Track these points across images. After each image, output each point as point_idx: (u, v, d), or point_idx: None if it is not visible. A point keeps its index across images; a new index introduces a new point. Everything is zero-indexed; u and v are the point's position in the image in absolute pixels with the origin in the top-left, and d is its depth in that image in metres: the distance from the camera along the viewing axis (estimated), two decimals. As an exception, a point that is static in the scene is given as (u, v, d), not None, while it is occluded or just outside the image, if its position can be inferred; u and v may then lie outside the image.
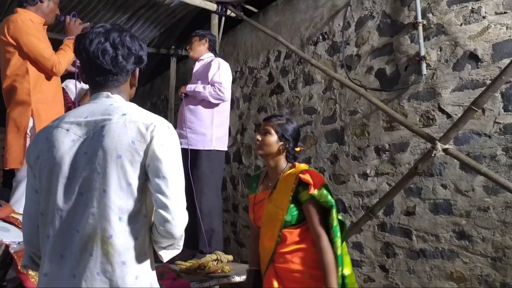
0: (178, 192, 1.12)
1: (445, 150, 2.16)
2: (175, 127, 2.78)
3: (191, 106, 3.01)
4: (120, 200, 1.08)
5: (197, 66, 3.18)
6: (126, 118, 1.12)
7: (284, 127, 1.87)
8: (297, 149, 1.90)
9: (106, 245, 1.06)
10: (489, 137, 2.27)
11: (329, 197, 1.71)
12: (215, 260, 2.49)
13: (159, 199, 1.09)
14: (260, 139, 1.88)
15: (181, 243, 1.22)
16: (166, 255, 1.21)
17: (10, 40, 2.26)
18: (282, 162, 1.88)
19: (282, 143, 1.85)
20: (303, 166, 1.86)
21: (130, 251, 1.10)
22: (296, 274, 1.71)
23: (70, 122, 1.16)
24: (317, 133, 3.33)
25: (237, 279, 2.39)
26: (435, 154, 2.17)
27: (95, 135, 1.11)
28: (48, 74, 2.36)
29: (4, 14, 3.70)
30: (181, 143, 2.63)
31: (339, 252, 1.67)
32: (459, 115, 2.26)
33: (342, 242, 1.72)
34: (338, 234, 1.69)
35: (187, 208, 1.17)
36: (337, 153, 3.14)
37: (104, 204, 1.07)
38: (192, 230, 2.72)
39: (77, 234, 1.08)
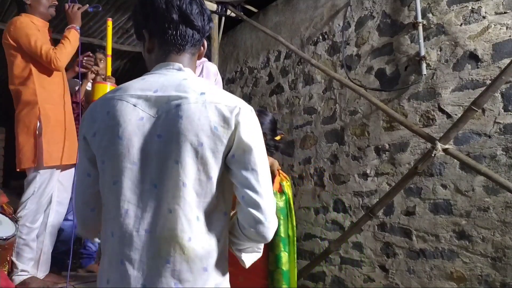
0: (269, 188, 0.94)
1: (445, 150, 2.17)
2: None
3: None
4: (198, 196, 0.91)
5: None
6: (205, 99, 0.92)
7: None
8: (277, 138, 1.82)
9: (186, 249, 0.89)
10: (489, 137, 2.27)
11: (281, 206, 1.64)
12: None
13: (249, 196, 0.91)
14: None
15: (262, 246, 1.07)
16: (247, 259, 1.05)
17: (12, 42, 2.26)
18: None
19: None
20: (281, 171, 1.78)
21: (211, 255, 0.93)
22: (231, 277, 1.67)
23: (137, 96, 0.95)
24: (317, 133, 3.33)
25: (237, 279, 2.39)
26: (435, 154, 2.17)
27: (170, 115, 0.91)
28: (52, 73, 2.35)
29: (4, 14, 3.69)
30: None
31: (285, 267, 1.61)
32: (459, 115, 2.26)
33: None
34: (286, 249, 1.63)
35: None
36: (337, 153, 3.14)
37: (184, 201, 0.89)
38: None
39: (148, 235, 0.90)
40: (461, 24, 2.44)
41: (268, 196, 0.93)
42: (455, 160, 2.31)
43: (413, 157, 2.61)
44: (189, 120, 0.90)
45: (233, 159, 0.93)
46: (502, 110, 2.24)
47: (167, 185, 0.90)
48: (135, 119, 0.93)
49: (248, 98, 4.22)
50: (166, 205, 0.89)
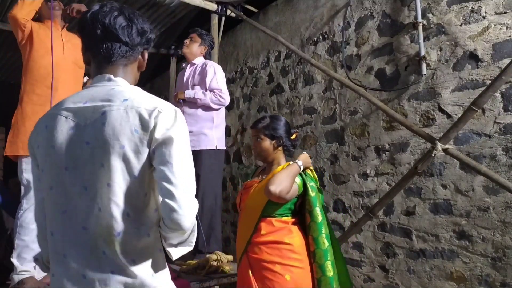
0: (184, 178, 1.01)
1: (445, 150, 2.16)
2: None
3: (189, 111, 3.03)
4: (126, 195, 1.00)
5: (188, 71, 3.19)
6: (127, 104, 1.02)
7: (271, 126, 1.94)
8: (293, 137, 1.98)
9: (114, 243, 0.99)
10: (489, 137, 2.27)
11: (313, 196, 1.82)
12: (215, 260, 2.49)
13: (164, 187, 0.99)
14: (255, 147, 1.97)
15: (193, 238, 1.11)
16: (176, 252, 1.10)
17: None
18: (281, 158, 1.96)
19: (275, 141, 1.93)
20: None
21: (142, 248, 1.02)
22: (267, 264, 1.73)
23: (69, 109, 1.07)
24: (317, 133, 3.33)
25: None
26: (435, 154, 2.17)
27: (96, 123, 1.02)
28: (38, 65, 2.37)
29: (4, 14, 3.69)
30: None
31: (324, 247, 1.76)
32: (459, 115, 2.26)
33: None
34: (324, 230, 1.79)
35: None
36: (337, 153, 3.14)
37: (109, 199, 0.99)
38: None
39: (84, 231, 1.00)
40: (461, 24, 2.44)
41: (183, 186, 0.99)
42: (455, 160, 2.31)
43: (413, 157, 2.61)
44: (111, 126, 1.00)
45: (154, 155, 1.01)
46: (502, 110, 2.24)
47: (95, 187, 1.00)
48: (66, 129, 1.05)
49: (248, 98, 4.22)
50: (96, 205, 1.00)
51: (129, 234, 1.00)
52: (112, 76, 1.09)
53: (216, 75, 3.01)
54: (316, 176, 1.97)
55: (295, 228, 1.82)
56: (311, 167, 1.95)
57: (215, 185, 3.02)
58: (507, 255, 2.15)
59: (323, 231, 1.77)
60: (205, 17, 4.10)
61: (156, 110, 1.02)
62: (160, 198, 1.02)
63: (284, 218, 1.81)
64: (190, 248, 1.13)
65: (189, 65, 3.21)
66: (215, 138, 3.01)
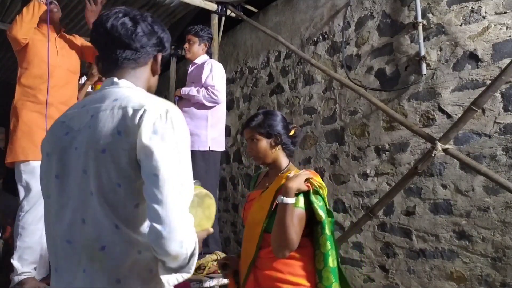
0: (174, 194, 0.84)
1: (445, 150, 2.16)
2: None
3: (185, 108, 3.00)
4: (112, 204, 0.88)
5: (191, 68, 3.18)
6: (115, 104, 0.91)
7: (266, 123, 1.68)
8: (291, 133, 1.72)
9: (98, 258, 0.87)
10: (489, 137, 2.27)
11: (320, 205, 1.53)
12: (215, 260, 2.49)
13: (150, 207, 0.84)
14: (250, 150, 1.71)
15: (193, 263, 0.93)
16: (169, 280, 0.97)
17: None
18: (282, 159, 1.70)
19: (272, 139, 1.67)
20: (311, 172, 1.63)
21: (130, 266, 0.88)
22: (276, 283, 1.51)
23: (68, 113, 1.02)
24: (317, 133, 3.33)
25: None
26: (435, 154, 2.17)
27: (85, 127, 0.94)
28: (32, 71, 2.37)
29: (4, 14, 3.70)
30: None
31: (333, 265, 1.51)
32: (459, 115, 2.26)
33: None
34: (334, 247, 1.52)
35: None
36: (337, 153, 3.14)
37: (93, 209, 0.88)
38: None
39: (69, 245, 0.91)
40: (461, 24, 2.44)
41: (172, 204, 0.83)
42: (455, 160, 2.31)
43: (413, 157, 2.61)
44: (95, 129, 0.90)
45: (140, 165, 0.87)
46: (502, 110, 2.24)
47: (80, 196, 0.91)
48: (62, 135, 0.98)
49: (248, 98, 4.22)
50: (79, 216, 0.90)
51: (116, 249, 0.87)
52: (115, 79, 1.01)
53: (212, 72, 2.97)
54: (325, 191, 1.65)
55: (304, 242, 1.54)
56: (321, 183, 1.64)
57: (210, 188, 2.99)
58: (507, 255, 2.15)
59: (329, 263, 1.52)
60: (205, 17, 4.10)
61: (143, 109, 0.88)
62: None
63: None
64: (188, 276, 1.00)
65: (191, 65, 3.20)
66: (209, 139, 2.94)
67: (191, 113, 2.98)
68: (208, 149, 2.94)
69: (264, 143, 1.67)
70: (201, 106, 2.98)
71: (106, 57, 1.04)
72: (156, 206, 0.83)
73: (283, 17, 3.79)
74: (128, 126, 0.87)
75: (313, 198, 1.52)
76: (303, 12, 3.58)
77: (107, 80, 1.02)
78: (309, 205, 1.52)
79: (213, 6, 3.83)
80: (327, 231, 1.52)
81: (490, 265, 2.21)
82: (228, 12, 3.92)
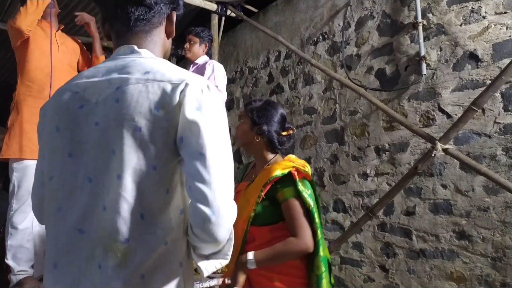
0: (222, 176, 0.78)
1: (445, 150, 2.16)
2: None
3: None
4: (141, 191, 0.78)
5: (192, 68, 3.17)
6: (148, 77, 0.82)
7: (260, 111, 1.61)
8: (284, 133, 1.63)
9: (121, 252, 0.77)
10: (489, 137, 2.27)
11: (309, 193, 1.51)
12: (215, 260, 2.48)
13: (194, 186, 0.76)
14: (236, 128, 1.66)
15: (230, 249, 0.87)
16: (208, 267, 0.85)
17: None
18: (266, 151, 1.63)
19: (256, 128, 1.59)
20: (294, 158, 1.61)
21: (155, 261, 0.79)
22: (263, 278, 1.51)
23: (80, 83, 0.88)
24: (317, 133, 3.33)
25: (237, 279, 2.39)
26: (435, 154, 2.17)
27: (108, 99, 0.82)
28: (37, 66, 2.35)
29: (4, 14, 3.70)
30: None
31: (323, 253, 1.50)
32: (459, 115, 2.26)
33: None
34: (322, 236, 1.52)
35: None
36: (337, 153, 3.14)
37: (119, 195, 0.77)
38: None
39: (80, 235, 0.79)
40: (461, 24, 2.44)
41: (220, 187, 0.77)
42: (455, 160, 2.31)
43: (413, 157, 2.61)
44: (125, 103, 0.80)
45: (182, 143, 0.79)
46: (502, 110, 2.24)
47: (102, 179, 0.79)
48: (75, 108, 0.85)
49: (248, 98, 4.22)
50: (100, 202, 0.79)
51: (141, 242, 0.78)
52: (135, 47, 0.89)
53: (214, 73, 2.97)
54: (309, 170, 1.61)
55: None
56: (306, 166, 1.61)
57: None
58: (507, 255, 2.15)
59: (320, 252, 1.51)
60: (205, 17, 4.10)
61: (184, 83, 0.80)
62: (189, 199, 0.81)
63: (281, 224, 1.53)
64: (226, 262, 0.89)
65: (191, 65, 3.20)
66: None
67: None
68: None
69: (247, 126, 1.62)
70: None
71: (115, 17, 0.91)
72: (202, 186, 0.76)
73: (283, 17, 3.79)
74: (167, 102, 0.79)
75: (301, 187, 1.50)
76: (303, 12, 3.58)
77: (124, 47, 0.90)
78: (298, 192, 1.51)
79: (213, 6, 3.83)
80: (317, 219, 1.51)
81: (490, 265, 2.21)
82: (228, 12, 3.92)
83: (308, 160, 3.37)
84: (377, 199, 2.70)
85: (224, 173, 0.79)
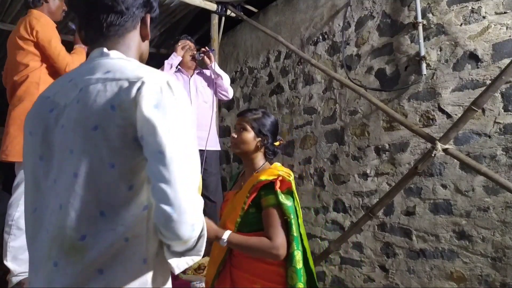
0: (183, 173, 0.77)
1: (445, 150, 2.16)
2: None
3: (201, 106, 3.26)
4: (100, 188, 0.79)
5: (196, 80, 3.37)
6: (108, 76, 0.83)
7: (261, 121, 1.69)
8: (276, 143, 1.74)
9: (77, 249, 0.77)
10: (489, 137, 2.27)
11: (289, 205, 1.54)
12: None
13: (157, 187, 0.76)
14: (235, 136, 1.70)
15: (202, 245, 0.87)
16: (178, 264, 0.86)
17: (30, 37, 2.25)
18: (259, 159, 1.71)
19: (259, 139, 1.68)
20: (279, 167, 1.67)
21: (114, 256, 0.79)
22: (246, 281, 1.55)
23: (53, 88, 0.92)
24: (317, 133, 3.33)
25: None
26: (435, 154, 2.17)
27: (73, 102, 0.84)
28: (57, 73, 2.35)
29: (4, 14, 3.69)
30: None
31: (299, 265, 1.52)
32: (459, 115, 2.26)
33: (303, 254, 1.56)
34: (299, 247, 1.54)
35: None
36: (337, 153, 3.14)
37: (75, 194, 0.78)
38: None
39: (46, 234, 0.81)
40: (461, 24, 2.44)
41: (181, 184, 0.76)
42: (455, 160, 2.31)
43: (413, 157, 2.61)
44: (84, 104, 0.81)
45: (143, 141, 0.79)
46: (502, 110, 2.24)
47: (62, 179, 0.81)
48: (46, 112, 0.88)
49: (248, 98, 4.22)
50: (58, 201, 0.80)
51: (98, 238, 0.78)
52: (105, 49, 0.90)
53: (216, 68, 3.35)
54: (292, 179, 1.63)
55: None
56: (291, 176, 1.63)
57: (214, 185, 3.06)
58: (507, 255, 2.15)
59: (294, 264, 1.52)
60: (205, 17, 4.11)
61: (140, 81, 0.80)
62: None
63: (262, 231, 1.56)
64: (198, 258, 0.89)
65: (190, 78, 3.36)
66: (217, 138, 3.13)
67: (206, 114, 3.24)
68: (219, 149, 3.24)
69: (251, 136, 1.68)
70: (209, 107, 3.28)
71: (88, 24, 0.93)
72: (163, 185, 0.76)
73: (283, 17, 3.79)
74: (123, 100, 0.79)
75: (282, 198, 1.54)
76: (303, 12, 3.58)
77: (96, 50, 0.92)
78: (278, 202, 1.54)
79: (213, 6, 3.83)
80: (294, 232, 1.54)
81: (490, 265, 2.21)
82: (228, 12, 3.93)
83: (308, 160, 3.37)
84: (377, 199, 2.70)
85: (185, 170, 0.78)
